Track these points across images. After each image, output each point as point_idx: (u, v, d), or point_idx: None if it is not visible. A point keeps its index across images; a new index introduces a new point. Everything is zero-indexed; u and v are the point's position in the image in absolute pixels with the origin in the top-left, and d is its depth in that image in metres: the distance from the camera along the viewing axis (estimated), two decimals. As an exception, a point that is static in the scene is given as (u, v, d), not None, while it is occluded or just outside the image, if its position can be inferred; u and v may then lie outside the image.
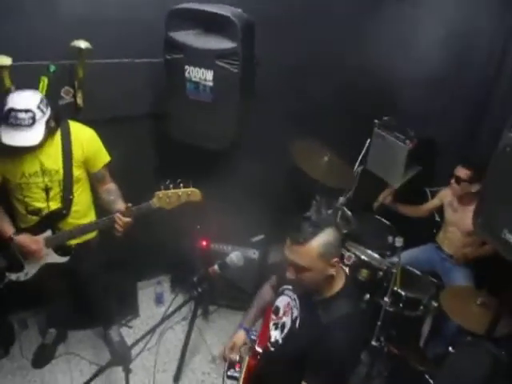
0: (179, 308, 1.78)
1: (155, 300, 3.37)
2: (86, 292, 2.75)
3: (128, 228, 2.24)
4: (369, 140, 3.32)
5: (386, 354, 2.70)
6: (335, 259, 1.58)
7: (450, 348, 2.42)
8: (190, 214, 2.94)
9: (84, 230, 2.32)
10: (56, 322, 2.95)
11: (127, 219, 2.22)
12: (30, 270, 2.37)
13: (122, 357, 1.75)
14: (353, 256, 2.69)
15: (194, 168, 2.62)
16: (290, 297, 1.77)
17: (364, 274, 2.67)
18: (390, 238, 3.15)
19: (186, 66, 2.41)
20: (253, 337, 1.87)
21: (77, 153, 2.25)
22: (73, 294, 2.81)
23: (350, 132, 3.20)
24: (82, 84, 2.52)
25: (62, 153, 2.21)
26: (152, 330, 1.73)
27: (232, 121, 2.53)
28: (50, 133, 2.12)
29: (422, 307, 2.68)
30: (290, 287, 1.77)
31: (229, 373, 1.89)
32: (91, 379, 1.77)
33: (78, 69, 2.47)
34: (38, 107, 2.02)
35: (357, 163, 3.27)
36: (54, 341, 2.94)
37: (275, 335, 1.79)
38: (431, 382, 2.57)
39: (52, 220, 2.30)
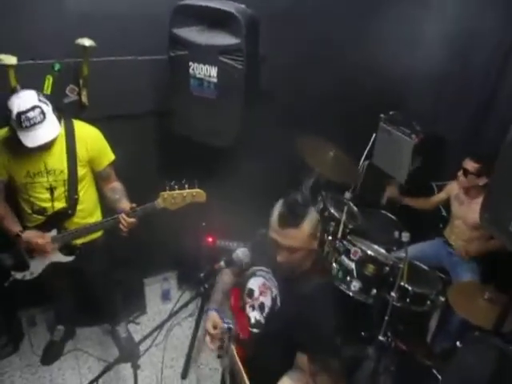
0: (186, 304, 1.79)
1: (162, 296, 3.39)
2: (93, 290, 2.77)
3: (133, 228, 2.25)
4: (374, 135, 3.31)
5: (393, 349, 2.70)
6: (318, 234, 1.68)
7: (458, 343, 2.41)
8: (196, 211, 2.95)
9: (89, 229, 2.33)
10: (64, 319, 2.97)
11: (131, 220, 2.22)
12: (36, 270, 2.39)
13: (129, 353, 1.76)
14: (359, 251, 2.68)
15: (198, 165, 2.62)
16: (265, 277, 1.80)
17: (370, 269, 2.66)
18: (397, 233, 3.13)
19: (190, 63, 2.40)
20: (228, 325, 1.85)
21: (81, 152, 2.25)
22: (80, 292, 2.83)
23: (356, 127, 3.18)
24: (87, 82, 2.53)
25: (66, 152, 2.22)
26: (159, 327, 1.73)
27: (236, 117, 2.53)
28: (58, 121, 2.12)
29: (429, 302, 2.67)
30: (264, 268, 1.80)
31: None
32: (100, 376, 1.78)
33: (83, 67, 2.47)
34: (40, 100, 2.02)
35: (362, 158, 3.26)
36: (63, 338, 2.96)
37: (255, 316, 1.81)
38: (439, 377, 2.56)
39: (58, 220, 2.31)
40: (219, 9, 2.30)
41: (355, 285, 2.67)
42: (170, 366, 2.92)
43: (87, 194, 2.39)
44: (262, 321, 1.79)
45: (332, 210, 2.94)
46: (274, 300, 1.75)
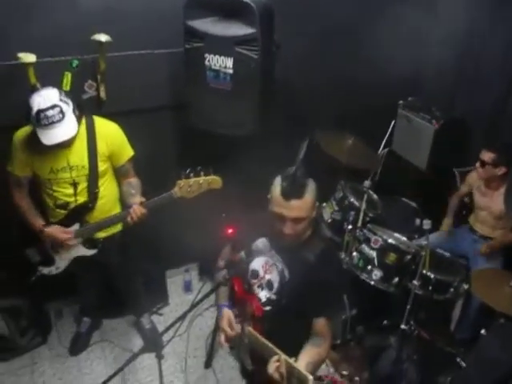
0: (207, 295, 1.80)
1: (184, 288, 3.43)
2: (116, 282, 2.82)
3: (142, 220, 2.27)
4: (393, 121, 3.26)
5: (415, 337, 2.68)
6: (317, 203, 1.73)
7: (482, 331, 2.38)
8: (215, 202, 2.97)
9: (109, 222, 2.37)
10: (89, 311, 3.04)
11: (143, 210, 2.25)
12: (61, 265, 2.45)
13: (153, 343, 1.79)
14: (380, 239, 2.66)
15: (216, 157, 2.63)
16: (266, 255, 1.82)
17: (392, 257, 2.63)
18: (418, 221, 3.11)
19: (206, 54, 2.40)
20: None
21: (101, 147, 2.28)
22: (103, 285, 2.89)
23: (374, 114, 3.14)
24: (105, 77, 2.55)
25: (87, 148, 2.25)
26: (182, 317, 1.75)
27: (253, 107, 2.52)
28: (78, 121, 2.15)
29: (452, 290, 2.64)
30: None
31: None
32: (125, 365, 1.81)
33: (100, 62, 2.49)
34: (61, 100, 2.05)
35: (382, 145, 3.21)
36: (89, 329, 3.04)
37: (264, 294, 1.83)
38: (463, 364, 2.54)
39: (79, 214, 2.36)
40: (233, -2, 2.28)
41: (376, 273, 2.66)
42: (194, 356, 2.96)
43: (108, 189, 2.42)
44: (273, 297, 1.81)
45: (352, 199, 2.91)
46: (281, 273, 1.78)
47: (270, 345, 1.63)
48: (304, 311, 1.73)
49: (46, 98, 2.02)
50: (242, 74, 2.38)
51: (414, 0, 2.93)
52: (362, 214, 2.81)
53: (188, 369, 2.85)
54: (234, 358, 2.92)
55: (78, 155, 2.25)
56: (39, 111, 2.00)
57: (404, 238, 2.79)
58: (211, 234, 3.16)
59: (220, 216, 3.17)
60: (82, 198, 2.34)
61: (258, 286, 1.86)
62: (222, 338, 1.81)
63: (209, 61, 2.41)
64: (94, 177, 2.31)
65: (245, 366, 1.94)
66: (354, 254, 2.76)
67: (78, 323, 3.06)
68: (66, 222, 2.35)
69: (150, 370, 2.82)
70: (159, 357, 1.76)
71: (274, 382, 1.56)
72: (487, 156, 2.74)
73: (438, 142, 3.09)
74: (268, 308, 1.83)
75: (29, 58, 2.27)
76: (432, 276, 2.59)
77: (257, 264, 1.86)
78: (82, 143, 2.25)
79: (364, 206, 2.82)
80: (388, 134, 3.23)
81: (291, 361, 1.54)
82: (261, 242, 1.75)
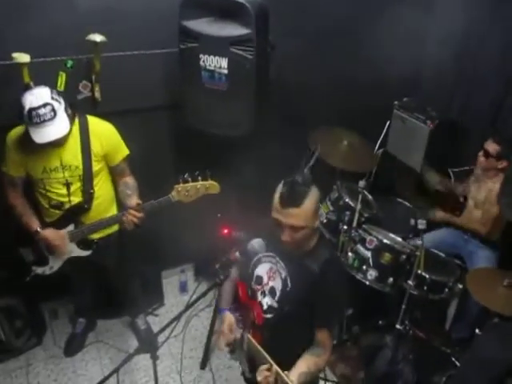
0: (203, 295, 1.80)
1: (179, 288, 3.43)
2: (111, 283, 2.82)
3: (141, 223, 2.28)
4: (388, 122, 3.27)
5: (410, 337, 2.69)
6: (320, 212, 1.72)
7: (477, 330, 2.39)
8: (211, 202, 2.96)
9: (104, 223, 2.36)
10: (84, 312, 3.03)
11: (140, 214, 2.25)
12: (55, 265, 2.44)
13: (149, 344, 1.79)
14: (375, 240, 2.66)
15: (211, 157, 2.63)
16: (271, 261, 1.82)
17: (387, 257, 2.64)
18: (413, 221, 3.11)
19: (201, 55, 2.39)
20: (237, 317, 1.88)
21: (96, 147, 2.27)
22: (99, 286, 2.88)
23: (369, 114, 3.15)
24: (99, 77, 2.55)
25: (80, 148, 2.24)
26: (177, 318, 1.75)
27: (249, 107, 2.52)
28: (70, 120, 2.14)
29: (446, 290, 2.65)
30: (269, 253, 1.82)
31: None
32: (120, 366, 1.81)
33: (95, 63, 2.49)
34: (53, 98, 2.04)
35: (377, 146, 3.22)
36: (84, 330, 3.02)
37: (267, 302, 1.83)
38: (457, 364, 2.55)
39: (74, 214, 2.35)
40: (228, -1, 2.29)
41: (371, 274, 2.67)
42: (190, 357, 2.96)
43: (103, 189, 2.41)
44: (275, 305, 1.81)
45: (347, 199, 2.92)
46: (284, 281, 1.77)
47: (265, 354, 1.64)
48: (305, 321, 1.73)
49: (37, 96, 2.01)
50: (237, 75, 2.38)
51: (411, 0, 2.94)
52: (357, 215, 2.81)
53: (184, 369, 2.84)
54: (229, 359, 2.93)
55: (72, 155, 2.24)
56: (31, 109, 1.99)
57: (399, 238, 2.80)
58: (207, 234, 3.17)
59: (216, 216, 3.17)
60: (76, 199, 2.33)
61: (261, 293, 1.86)
62: (222, 342, 1.82)
63: (204, 61, 2.41)
64: (88, 177, 2.30)
65: (244, 372, 1.93)
66: (350, 254, 2.76)
67: (73, 324, 3.05)
68: (60, 223, 2.34)
69: (145, 371, 2.81)
70: (154, 358, 1.76)
71: None
72: (492, 147, 2.74)
73: (432, 142, 3.10)
74: (269, 315, 1.82)
75: (23, 58, 2.26)
76: (427, 276, 2.60)
77: (262, 270, 1.86)
78: (76, 143, 2.24)
79: (359, 206, 2.83)
80: (383, 134, 3.24)
81: (283, 374, 1.53)
82: (256, 243, 1.75)
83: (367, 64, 2.99)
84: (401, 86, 3.27)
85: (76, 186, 2.31)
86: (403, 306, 2.58)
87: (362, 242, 2.72)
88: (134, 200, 2.32)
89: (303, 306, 1.71)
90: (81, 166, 2.26)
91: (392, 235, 2.81)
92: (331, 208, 2.97)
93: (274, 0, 2.49)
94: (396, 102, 3.27)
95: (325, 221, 2.97)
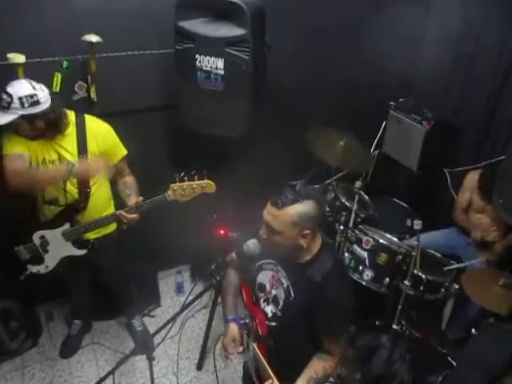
0: (199, 296, 1.81)
1: (176, 289, 3.42)
2: (107, 284, 2.81)
3: (133, 223, 2.28)
4: (384, 123, 3.28)
5: (407, 337, 2.70)
6: (307, 231, 1.63)
7: (473, 330, 2.40)
8: (207, 203, 2.96)
9: (98, 223, 2.35)
10: (80, 313, 3.02)
11: (131, 216, 2.25)
12: (50, 263, 2.42)
13: (145, 345, 1.78)
14: (371, 240, 2.67)
15: (208, 157, 2.63)
16: (273, 269, 1.80)
17: (383, 257, 2.65)
18: (409, 221, 3.12)
19: (197, 55, 2.39)
20: (244, 321, 1.85)
21: (92, 146, 2.27)
22: (95, 287, 2.87)
23: (366, 115, 3.16)
24: (95, 78, 2.54)
25: (77, 146, 2.24)
26: (173, 319, 1.75)
27: (245, 108, 2.52)
28: (32, 128, 2.11)
29: (443, 290, 2.65)
30: (270, 260, 1.80)
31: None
32: (116, 367, 1.81)
33: (91, 63, 2.48)
34: (20, 99, 2.02)
35: (373, 147, 3.23)
36: (80, 331, 3.01)
37: (270, 309, 1.82)
38: (454, 364, 2.56)
39: (70, 213, 2.34)
40: (225, 0, 2.28)
41: (368, 274, 2.67)
42: (186, 358, 2.95)
43: (100, 190, 2.41)
44: (279, 313, 1.79)
45: (343, 200, 2.93)
46: (286, 291, 1.75)
47: (268, 367, 1.64)
48: (309, 331, 1.71)
49: (17, 85, 2.04)
50: (233, 75, 2.38)
51: (406, 1, 2.95)
52: (353, 215, 2.82)
53: (180, 371, 2.85)
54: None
55: (68, 153, 2.24)
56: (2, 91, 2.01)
57: (395, 239, 2.81)
58: (203, 235, 3.17)
59: (212, 217, 3.17)
60: (71, 196, 2.32)
61: (264, 301, 1.85)
62: (224, 353, 1.82)
63: (200, 62, 2.40)
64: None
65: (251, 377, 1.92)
66: (346, 254, 2.77)
67: (68, 326, 3.03)
68: (56, 222, 2.33)
69: (141, 373, 2.80)
70: (150, 359, 1.75)
71: None
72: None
73: (428, 143, 3.11)
74: (274, 324, 1.81)
75: (18, 58, 2.25)
76: (423, 276, 2.61)
77: (264, 277, 1.84)
78: (72, 141, 2.24)
79: (355, 206, 2.83)
80: (379, 135, 3.25)
81: None
82: (252, 243, 1.73)
83: (363, 65, 3.00)
84: (397, 87, 3.28)
85: (72, 182, 2.30)
86: (399, 306, 2.59)
87: (359, 242, 2.72)
88: (132, 199, 2.31)
89: (307, 316, 1.68)
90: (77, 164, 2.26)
91: (388, 235, 2.81)
92: (327, 208, 2.98)
93: (271, 0, 2.49)
94: (392, 103, 3.28)
95: (321, 221, 2.97)
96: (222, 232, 3.11)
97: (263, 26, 2.45)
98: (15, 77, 2.27)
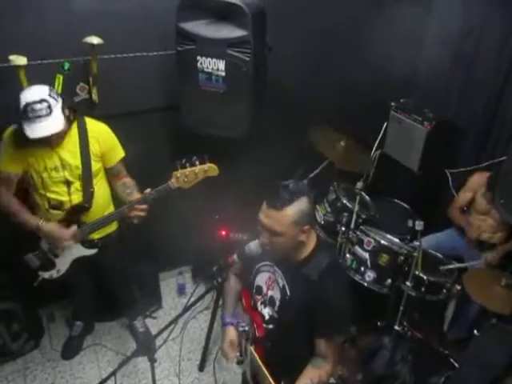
0: (200, 298, 1.80)
1: (177, 291, 3.42)
2: (109, 285, 2.81)
3: (144, 216, 2.26)
4: (385, 123, 3.27)
5: (409, 338, 2.69)
6: (307, 227, 1.64)
7: (475, 331, 2.40)
8: (209, 204, 2.96)
9: (107, 220, 2.35)
10: (82, 315, 3.02)
11: (143, 206, 2.24)
12: (62, 268, 2.44)
13: (147, 347, 1.78)
14: (372, 241, 2.67)
15: (210, 158, 2.63)
16: (269, 271, 1.80)
17: (384, 258, 2.64)
18: (410, 222, 3.12)
19: (198, 57, 2.40)
20: (243, 328, 1.83)
21: (94, 147, 2.29)
22: (97, 288, 2.88)
23: (367, 116, 3.15)
24: (97, 80, 2.55)
25: (79, 148, 2.25)
26: (174, 320, 1.75)
27: (246, 109, 2.52)
28: (67, 121, 2.14)
29: (444, 291, 2.65)
30: (267, 262, 1.80)
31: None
32: (118, 369, 1.80)
33: (92, 65, 2.49)
34: (50, 95, 2.05)
35: (374, 147, 3.23)
36: (82, 333, 3.02)
37: (267, 312, 1.82)
38: (456, 365, 2.55)
39: (76, 214, 2.35)
40: (225, 1, 2.28)
41: (369, 275, 2.67)
42: (188, 359, 2.95)
43: (101, 190, 2.42)
44: (275, 315, 1.79)
45: (344, 201, 2.92)
46: (282, 290, 1.75)
47: (265, 370, 1.63)
48: (306, 331, 1.69)
49: (35, 92, 2.03)
50: (234, 77, 2.39)
51: (407, 1, 2.95)
52: (354, 216, 2.82)
53: (182, 372, 2.85)
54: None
55: (71, 155, 2.25)
56: (27, 104, 2.00)
57: (396, 240, 2.80)
58: (205, 236, 3.17)
59: (213, 218, 3.17)
60: (76, 198, 2.33)
61: (262, 303, 1.85)
62: (224, 358, 1.82)
63: (201, 63, 2.41)
64: (87, 176, 2.30)
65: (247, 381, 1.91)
66: (348, 255, 2.77)
67: (70, 327, 3.04)
68: (63, 225, 2.33)
69: (143, 374, 2.80)
70: (152, 360, 1.75)
71: None
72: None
73: (429, 143, 3.10)
74: (271, 326, 1.81)
75: (20, 60, 2.25)
76: (425, 277, 2.60)
77: (261, 280, 1.84)
78: (75, 143, 2.25)
79: (357, 207, 2.83)
80: (380, 135, 3.25)
81: None
82: (254, 244, 1.73)
83: (363, 65, 2.99)
84: (397, 88, 3.28)
85: (76, 185, 2.31)
86: (401, 308, 2.59)
87: (360, 243, 2.72)
88: (135, 196, 2.32)
89: (303, 315, 1.67)
90: (80, 166, 2.27)
91: (390, 236, 2.81)
92: (329, 209, 2.97)
93: (271, 1, 2.49)
94: (393, 104, 3.28)
95: (322, 222, 2.98)
96: (223, 233, 3.11)
97: (264, 27, 2.45)
98: (17, 79, 2.28)
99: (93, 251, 2.43)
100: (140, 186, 2.44)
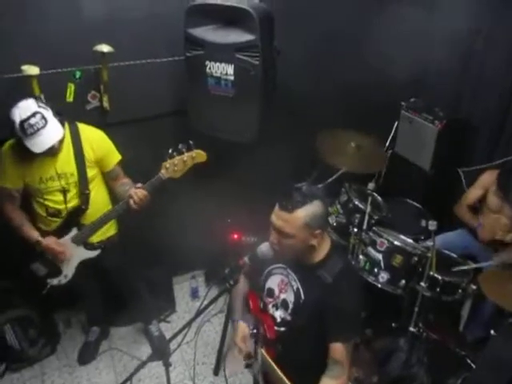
0: (213, 301, 1.80)
1: (191, 295, 3.44)
2: (116, 288, 2.82)
3: (145, 202, 2.26)
4: (396, 123, 3.25)
5: (424, 339, 2.66)
6: (318, 231, 1.64)
7: (492, 331, 2.36)
8: (221, 208, 2.97)
9: (105, 219, 2.37)
10: (97, 320, 3.05)
11: (142, 192, 2.23)
12: (69, 272, 2.46)
13: (161, 351, 1.79)
14: (386, 242, 2.65)
15: (221, 163, 2.64)
16: (282, 273, 1.80)
17: (398, 259, 2.62)
18: (424, 222, 3.09)
19: (207, 62, 2.41)
20: (253, 330, 1.82)
21: (88, 153, 2.31)
22: (110, 293, 2.90)
23: (377, 116, 3.14)
24: (107, 87, 2.58)
25: (73, 155, 2.28)
26: (188, 324, 1.76)
27: (255, 113, 2.53)
28: (62, 125, 2.17)
29: (460, 291, 2.61)
30: (280, 265, 1.80)
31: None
32: (134, 373, 1.82)
33: (103, 73, 2.52)
34: (39, 106, 2.08)
35: (385, 147, 3.21)
36: (98, 338, 3.05)
37: (279, 315, 1.81)
38: (473, 366, 2.52)
39: (74, 218, 2.38)
40: (233, 6, 2.30)
41: (383, 276, 2.65)
42: (202, 363, 2.96)
43: (99, 193, 2.45)
44: (288, 318, 1.79)
45: (356, 202, 2.90)
46: (296, 293, 1.75)
47: (279, 372, 1.62)
48: (320, 334, 1.68)
49: (25, 108, 2.06)
50: (243, 81, 2.40)
51: (415, 2, 2.93)
52: (366, 217, 2.80)
53: (197, 376, 2.85)
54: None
55: (66, 163, 2.28)
56: (22, 122, 2.03)
57: (410, 240, 2.77)
58: (217, 240, 3.18)
59: (225, 222, 3.18)
60: (72, 204, 2.36)
61: (273, 306, 1.84)
62: (237, 351, 1.80)
63: (210, 68, 2.43)
64: (83, 182, 2.33)
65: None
66: (361, 256, 2.75)
67: (86, 332, 3.07)
68: (62, 230, 2.37)
69: (158, 378, 2.82)
70: (167, 365, 1.76)
71: None
72: None
73: (441, 142, 3.08)
74: (283, 329, 1.80)
75: (32, 70, 2.30)
76: (439, 277, 2.57)
77: (273, 282, 1.84)
78: (69, 150, 2.28)
79: (369, 208, 2.81)
80: (391, 135, 3.23)
81: None
82: (265, 247, 1.74)
83: (374, 65, 2.98)
84: (408, 87, 3.26)
85: (73, 192, 2.34)
86: (416, 309, 2.56)
87: (373, 244, 2.70)
88: (132, 189, 2.32)
89: (317, 319, 1.67)
90: (75, 173, 2.30)
91: (403, 237, 2.78)
92: (341, 211, 2.96)
93: (279, 5, 2.50)
94: (403, 103, 3.26)
95: (334, 224, 2.96)
96: (235, 236, 3.12)
97: (272, 30, 2.46)
98: (29, 88, 2.32)
99: (96, 252, 2.46)
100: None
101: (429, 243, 2.65)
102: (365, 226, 2.79)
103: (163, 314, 3.27)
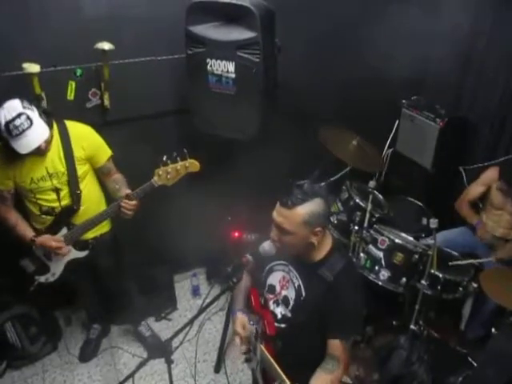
0: (215, 299, 1.80)
1: (192, 292, 3.44)
2: (108, 286, 2.80)
3: (136, 210, 2.28)
4: (397, 121, 3.25)
5: (425, 337, 2.67)
6: (318, 229, 1.64)
7: (493, 329, 2.36)
8: (221, 206, 2.97)
9: (96, 220, 2.36)
10: (97, 317, 3.05)
11: (133, 202, 2.25)
12: (56, 270, 2.45)
13: (157, 350, 1.78)
14: (387, 240, 2.65)
15: (222, 160, 2.64)
16: (283, 270, 1.80)
17: (399, 257, 2.62)
18: (425, 220, 3.09)
19: (208, 59, 2.41)
20: (254, 325, 1.83)
21: (78, 151, 2.30)
22: (102, 291, 2.87)
23: (378, 114, 3.14)
24: (108, 85, 2.57)
25: (63, 153, 2.27)
26: (190, 322, 1.76)
27: (257, 111, 2.52)
28: (48, 126, 2.15)
29: (461, 289, 2.62)
30: (281, 262, 1.80)
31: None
32: (136, 370, 1.82)
33: (104, 71, 2.52)
34: (24, 107, 2.05)
35: (386, 146, 3.21)
36: (98, 336, 3.04)
37: (280, 311, 1.81)
38: (474, 364, 2.52)
39: (65, 217, 2.37)
40: (233, 3, 2.29)
41: (384, 274, 2.65)
42: (203, 361, 2.96)
43: (90, 192, 2.43)
44: (289, 314, 1.79)
45: (357, 200, 2.90)
46: (297, 290, 1.75)
47: (278, 368, 1.62)
48: (320, 331, 1.69)
49: (9, 109, 2.03)
50: (244, 78, 2.39)
51: (417, 1, 2.92)
52: (367, 215, 2.80)
53: (198, 373, 2.86)
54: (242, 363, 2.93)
55: (55, 162, 2.27)
56: (7, 123, 2.01)
57: (411, 238, 2.78)
58: (218, 237, 3.18)
59: (226, 220, 3.18)
60: (66, 201, 2.36)
61: (274, 302, 1.84)
62: (237, 341, 1.80)
63: (211, 66, 2.42)
64: (74, 181, 2.32)
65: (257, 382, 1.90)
66: (361, 254, 2.75)
67: (87, 330, 3.07)
68: (53, 228, 2.37)
69: (160, 376, 2.82)
70: (169, 362, 1.76)
71: None
72: None
73: (442, 140, 3.07)
74: (283, 325, 1.81)
75: (33, 68, 2.29)
76: (440, 275, 2.58)
77: (274, 279, 1.84)
78: (58, 149, 2.26)
79: (370, 206, 2.81)
80: (392, 133, 3.23)
81: None
82: (267, 244, 1.74)
83: (375, 64, 2.98)
84: (409, 85, 3.25)
85: (65, 190, 2.34)
86: (417, 307, 2.56)
87: (374, 242, 2.70)
88: (123, 192, 2.32)
89: (317, 316, 1.67)
90: (66, 172, 2.29)
91: (404, 235, 2.79)
92: (341, 209, 2.96)
93: (280, 2, 2.49)
94: (404, 101, 3.26)
95: (335, 222, 2.97)
96: (236, 234, 3.12)
97: (273, 27, 2.45)
98: (30, 86, 2.32)
99: (84, 253, 2.45)
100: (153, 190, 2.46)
101: (430, 241, 2.66)
102: (366, 224, 2.80)
103: (164, 312, 3.27)
